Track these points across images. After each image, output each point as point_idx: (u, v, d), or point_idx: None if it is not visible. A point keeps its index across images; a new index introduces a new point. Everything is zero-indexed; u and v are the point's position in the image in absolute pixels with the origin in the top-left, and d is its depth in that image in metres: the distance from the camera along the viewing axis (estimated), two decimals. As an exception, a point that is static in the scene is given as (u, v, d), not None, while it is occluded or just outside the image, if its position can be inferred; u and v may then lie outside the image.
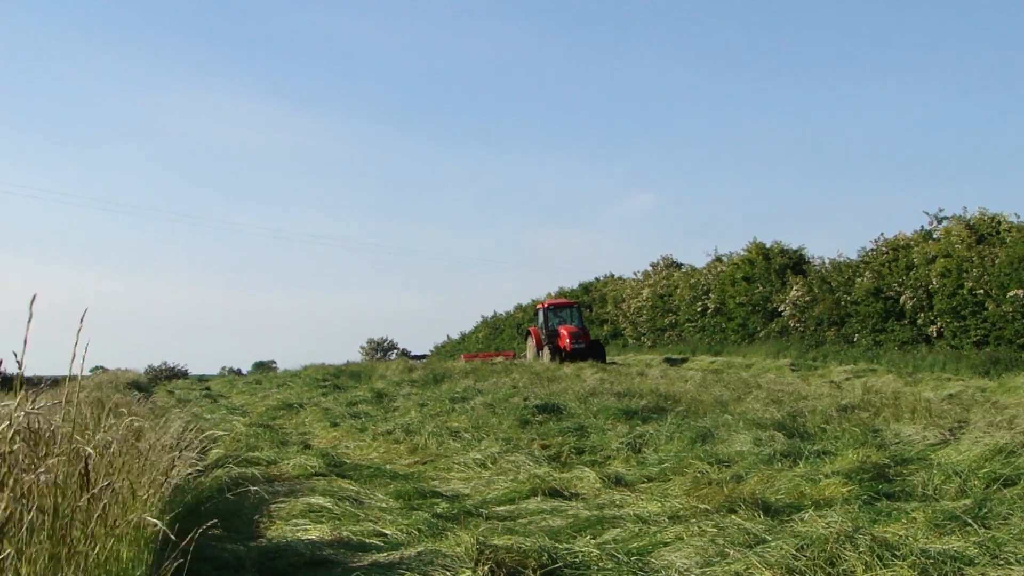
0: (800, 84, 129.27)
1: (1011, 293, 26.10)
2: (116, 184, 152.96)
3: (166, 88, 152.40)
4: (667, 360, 38.76)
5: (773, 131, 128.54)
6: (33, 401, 4.67)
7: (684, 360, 39.03)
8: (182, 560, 5.22)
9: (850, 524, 7.01)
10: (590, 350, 37.16)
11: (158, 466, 6.66)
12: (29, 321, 4.47)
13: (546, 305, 42.03)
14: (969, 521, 7.07)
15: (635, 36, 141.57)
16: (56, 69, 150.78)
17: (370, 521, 8.57)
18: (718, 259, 46.39)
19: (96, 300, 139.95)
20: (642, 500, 9.22)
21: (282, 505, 9.32)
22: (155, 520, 5.20)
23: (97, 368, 54.36)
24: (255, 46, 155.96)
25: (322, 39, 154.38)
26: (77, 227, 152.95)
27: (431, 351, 79.63)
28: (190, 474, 9.23)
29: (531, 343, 41.01)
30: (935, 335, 30.22)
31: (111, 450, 5.96)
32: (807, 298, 36.56)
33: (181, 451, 8.51)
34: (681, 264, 54.28)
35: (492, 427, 14.95)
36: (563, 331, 38.38)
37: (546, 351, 37.79)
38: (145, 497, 5.79)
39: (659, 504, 8.90)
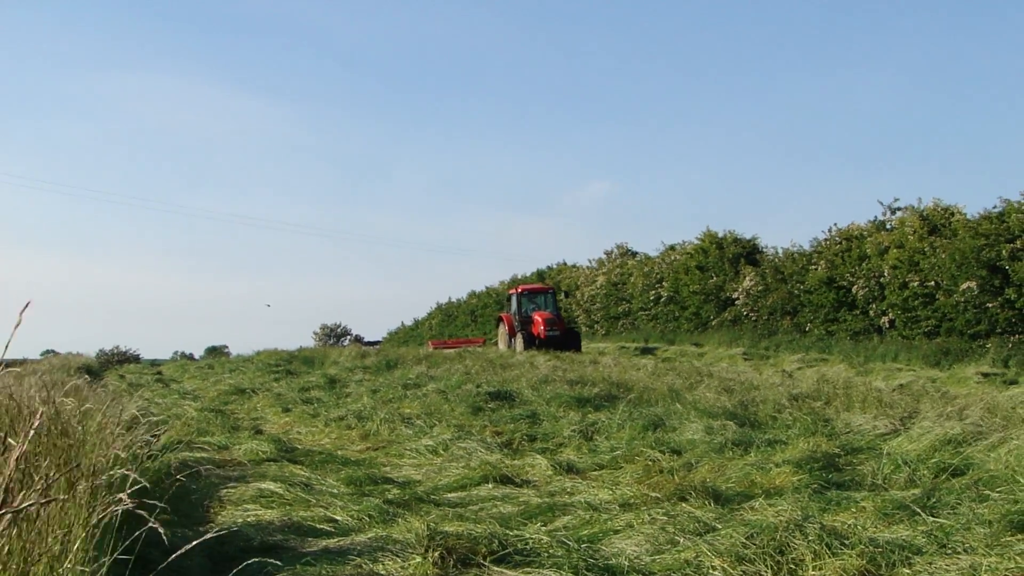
0: (757, 74, 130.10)
1: (964, 285, 26.30)
2: (69, 165, 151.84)
3: (122, 69, 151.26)
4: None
5: (730, 120, 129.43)
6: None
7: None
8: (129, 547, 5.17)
9: (800, 513, 7.04)
10: (565, 338, 35.63)
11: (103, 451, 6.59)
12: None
13: (519, 290, 39.47)
14: (918, 510, 7.12)
15: (591, 24, 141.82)
16: (8, 46, 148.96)
17: (321, 507, 8.55)
18: (672, 248, 46.52)
19: (47, 283, 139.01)
20: (593, 488, 9.24)
21: (233, 490, 9.28)
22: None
23: (47, 352, 53.92)
24: (214, 29, 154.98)
25: (282, 23, 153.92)
26: (28, 208, 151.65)
27: (385, 337, 79.59)
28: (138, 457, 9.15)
29: (503, 330, 39.05)
30: (887, 325, 30.44)
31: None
32: (760, 287, 36.73)
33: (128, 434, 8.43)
34: (636, 252, 54.46)
35: (444, 414, 14.95)
36: (537, 318, 36.48)
37: (519, 338, 36.03)
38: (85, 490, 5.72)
39: (610, 492, 8.93)
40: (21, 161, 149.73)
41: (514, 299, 39.17)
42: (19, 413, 6.86)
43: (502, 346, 38.14)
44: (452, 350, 35.51)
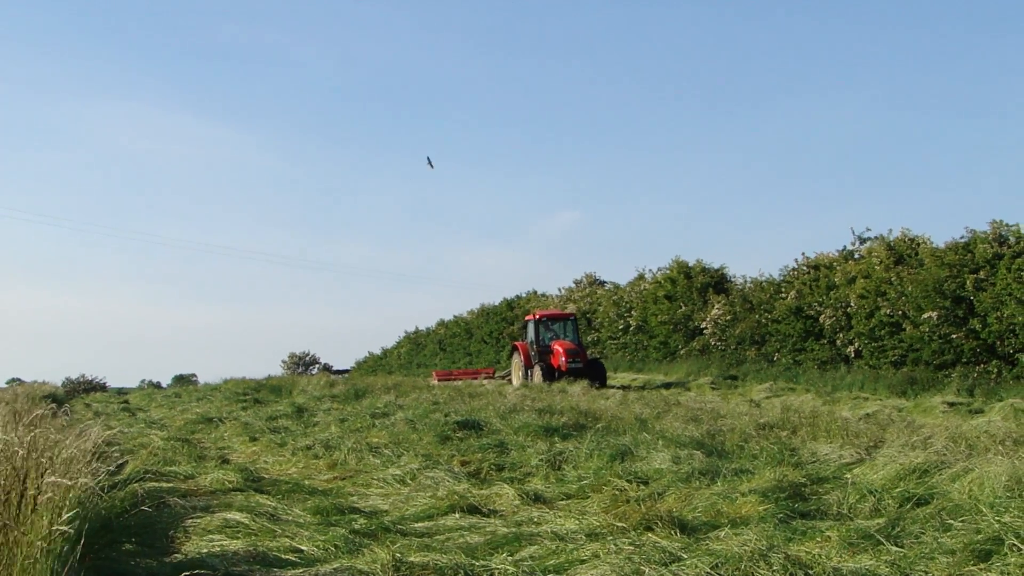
0: (729, 103, 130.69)
1: (925, 315, 26.50)
2: (33, 192, 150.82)
3: (87, 96, 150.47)
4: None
5: (700, 150, 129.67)
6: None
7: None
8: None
9: (765, 542, 7.06)
10: (588, 370, 32.43)
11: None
12: None
13: (537, 316, 35.82)
14: (882, 540, 7.17)
15: (560, 53, 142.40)
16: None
17: (287, 537, 8.52)
18: (641, 277, 46.64)
19: (12, 311, 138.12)
20: (560, 517, 9.23)
21: (198, 520, 9.22)
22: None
23: (13, 380, 53.64)
24: (180, 56, 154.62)
25: (248, 50, 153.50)
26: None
27: (353, 366, 79.44)
28: (103, 487, 9.10)
29: (517, 360, 35.13)
30: (853, 355, 30.57)
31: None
32: (728, 317, 36.79)
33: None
34: (604, 282, 54.54)
35: (412, 443, 14.90)
36: (557, 347, 33.45)
37: (536, 370, 32.89)
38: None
39: (577, 521, 8.93)
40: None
41: (531, 327, 35.75)
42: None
43: (516, 380, 34.69)
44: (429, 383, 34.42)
